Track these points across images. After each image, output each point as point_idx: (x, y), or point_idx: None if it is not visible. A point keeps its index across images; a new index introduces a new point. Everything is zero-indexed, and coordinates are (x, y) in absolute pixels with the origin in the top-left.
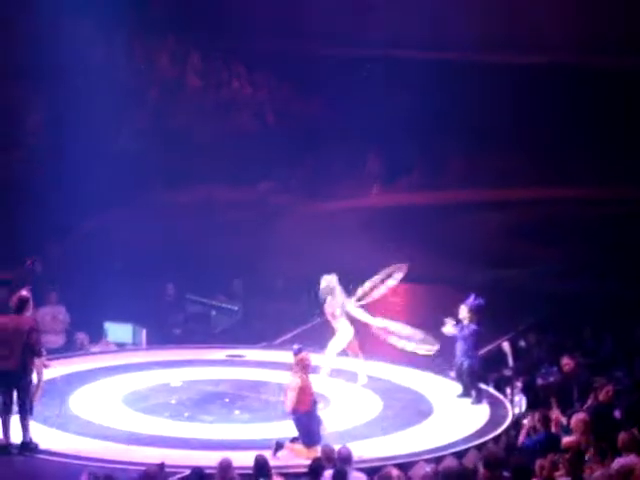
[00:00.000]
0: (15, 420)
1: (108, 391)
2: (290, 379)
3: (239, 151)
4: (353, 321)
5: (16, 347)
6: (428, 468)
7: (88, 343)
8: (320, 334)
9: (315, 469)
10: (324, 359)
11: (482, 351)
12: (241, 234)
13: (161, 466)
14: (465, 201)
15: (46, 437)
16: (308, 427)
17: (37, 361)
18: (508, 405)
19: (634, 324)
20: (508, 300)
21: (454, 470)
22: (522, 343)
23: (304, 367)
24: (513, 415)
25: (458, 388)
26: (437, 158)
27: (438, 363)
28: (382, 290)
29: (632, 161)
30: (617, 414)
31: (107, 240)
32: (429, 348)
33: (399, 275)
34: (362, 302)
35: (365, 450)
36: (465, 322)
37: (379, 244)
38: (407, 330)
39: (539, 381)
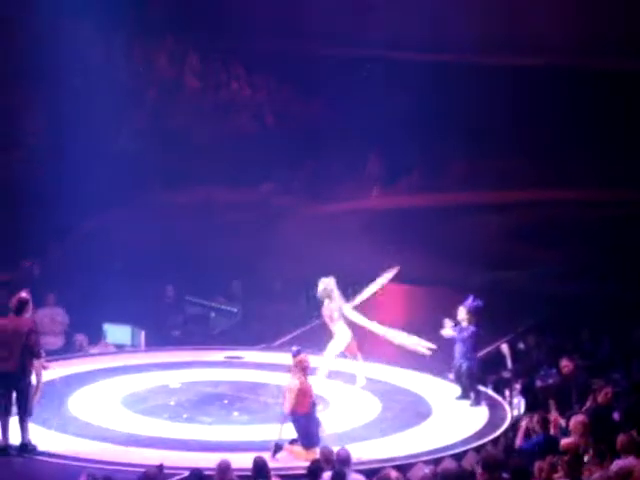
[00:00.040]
0: (14, 421)
1: (107, 392)
2: (289, 381)
3: (238, 152)
4: (351, 324)
5: (15, 349)
6: (427, 470)
7: (87, 344)
8: (319, 336)
9: (314, 471)
10: (323, 361)
11: (481, 353)
12: (240, 235)
13: (160, 467)
14: (465, 203)
15: (45, 438)
16: (307, 429)
17: (36, 363)
18: (507, 407)
19: (632, 326)
20: (507, 302)
21: (453, 472)
22: (521, 345)
23: (303, 369)
24: (512, 417)
25: (457, 390)
26: (437, 160)
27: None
28: (374, 288)
29: (632, 163)
30: (616, 416)
31: (107, 240)
32: (427, 345)
33: (390, 274)
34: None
35: (364, 452)
36: (464, 324)
37: (379, 246)
38: (403, 336)
39: (538, 383)
